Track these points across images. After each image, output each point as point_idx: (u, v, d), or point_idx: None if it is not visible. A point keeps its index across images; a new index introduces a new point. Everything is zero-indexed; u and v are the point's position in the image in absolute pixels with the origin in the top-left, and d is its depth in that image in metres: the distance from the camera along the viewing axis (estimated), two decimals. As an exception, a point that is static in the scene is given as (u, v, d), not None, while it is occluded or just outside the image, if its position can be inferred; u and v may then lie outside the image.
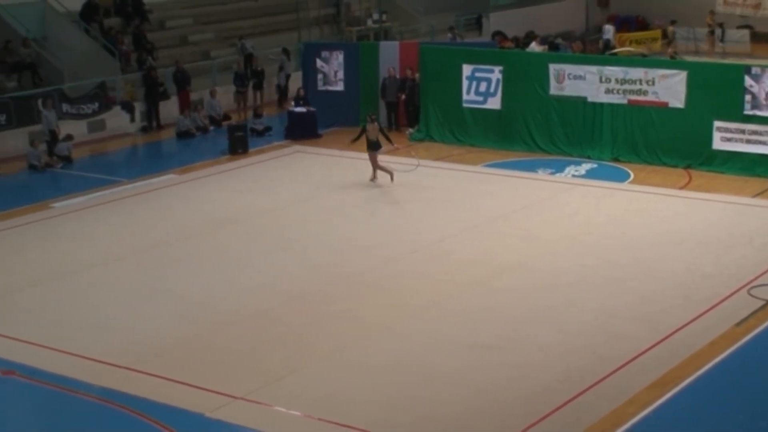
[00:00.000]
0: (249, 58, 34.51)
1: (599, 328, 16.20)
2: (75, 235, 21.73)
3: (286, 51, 34.93)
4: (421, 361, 15.23)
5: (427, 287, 18.13)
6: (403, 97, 29.65)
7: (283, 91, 34.46)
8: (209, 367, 15.22)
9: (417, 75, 29.29)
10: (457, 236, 20.82)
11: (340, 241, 20.74)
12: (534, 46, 34.91)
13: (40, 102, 28.72)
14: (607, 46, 39.01)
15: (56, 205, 23.88)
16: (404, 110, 29.88)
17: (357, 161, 26.62)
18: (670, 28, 40.23)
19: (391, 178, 24.55)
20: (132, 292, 18.35)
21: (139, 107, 31.73)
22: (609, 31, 40.16)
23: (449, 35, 37.65)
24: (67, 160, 27.74)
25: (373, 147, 24.54)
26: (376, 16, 40.86)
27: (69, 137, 28.17)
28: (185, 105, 31.64)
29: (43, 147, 27.81)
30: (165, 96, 31.66)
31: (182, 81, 32.24)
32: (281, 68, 34.71)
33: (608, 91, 26.17)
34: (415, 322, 16.65)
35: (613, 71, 26.12)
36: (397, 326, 16.50)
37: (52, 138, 28.11)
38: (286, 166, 26.87)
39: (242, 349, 15.77)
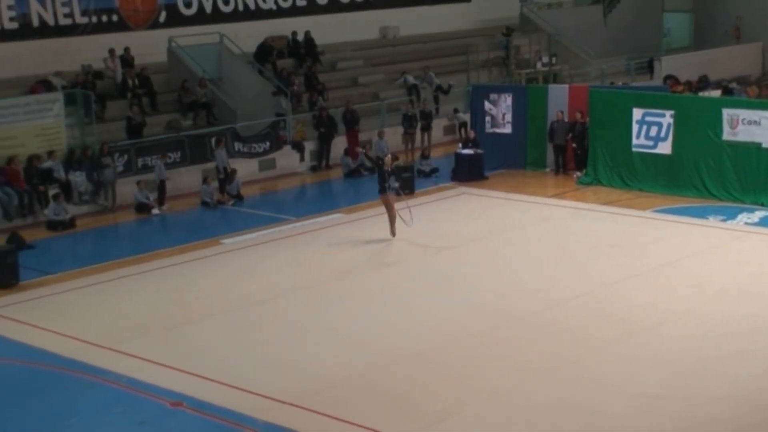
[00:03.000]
0: (414, 89, 35.47)
1: (771, 381, 15.71)
2: (244, 270, 22.16)
3: (426, 69, 35.82)
4: (584, 407, 14.99)
5: (592, 332, 17.85)
6: (572, 140, 29.45)
7: (463, 125, 34.74)
8: (370, 407, 15.28)
9: (586, 119, 29.07)
10: (623, 282, 20.48)
11: (503, 283, 20.63)
12: None
13: (213, 140, 29.57)
14: None
15: (226, 241, 24.45)
16: (572, 154, 29.67)
17: (523, 204, 26.58)
18: None
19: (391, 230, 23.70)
20: (297, 328, 18.60)
21: (309, 147, 32.33)
22: None
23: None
24: (238, 198, 28.41)
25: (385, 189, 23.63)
26: (545, 59, 40.79)
27: (233, 171, 28.81)
28: (354, 145, 32.09)
29: (215, 184, 28.58)
30: (335, 128, 32.30)
31: (351, 121, 32.75)
32: (456, 110, 35.21)
33: (784, 137, 25.50)
34: (578, 367, 16.41)
35: (790, 117, 25.44)
36: (559, 371, 16.29)
37: (225, 176, 28.82)
38: (452, 207, 26.94)
39: (402, 390, 15.80)
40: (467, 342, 17.64)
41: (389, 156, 24.30)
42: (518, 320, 18.57)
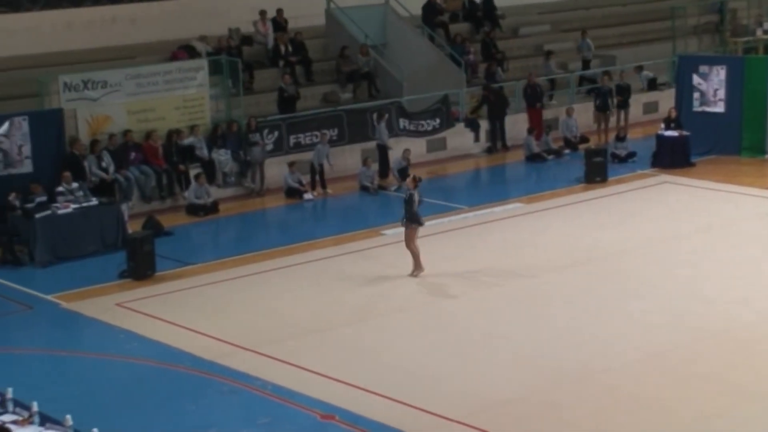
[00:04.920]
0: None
1: None
2: (408, 267, 22.06)
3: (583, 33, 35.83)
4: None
5: (817, 352, 17.49)
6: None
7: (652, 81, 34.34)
8: (549, 429, 15.27)
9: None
10: None
11: (710, 290, 20.31)
12: None
13: (375, 116, 29.79)
14: None
15: (388, 232, 24.58)
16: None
17: (737, 196, 26.15)
18: None
19: (414, 269, 21.64)
20: (468, 335, 18.67)
21: (485, 125, 32.31)
22: None
23: None
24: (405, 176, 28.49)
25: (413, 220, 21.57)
26: (767, 26, 39.87)
27: (406, 151, 28.97)
28: (536, 124, 31.96)
29: (375, 167, 28.80)
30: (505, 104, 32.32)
31: (534, 96, 32.60)
32: (639, 68, 35.01)
33: None
34: (800, 392, 16.11)
35: None
36: (776, 397, 16.03)
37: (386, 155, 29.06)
38: (651, 198, 26.62)
39: (588, 411, 15.70)
40: (666, 357, 17.42)
41: (412, 177, 22.17)
42: (727, 333, 18.25)
